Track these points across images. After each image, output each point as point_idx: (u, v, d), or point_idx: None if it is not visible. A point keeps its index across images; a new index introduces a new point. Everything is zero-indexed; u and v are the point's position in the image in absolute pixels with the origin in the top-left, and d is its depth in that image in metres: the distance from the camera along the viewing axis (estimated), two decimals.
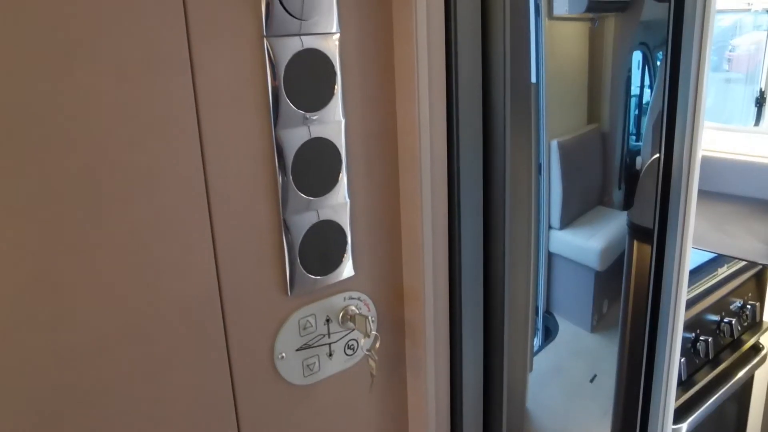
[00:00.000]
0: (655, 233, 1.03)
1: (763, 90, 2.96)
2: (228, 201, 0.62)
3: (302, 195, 0.67)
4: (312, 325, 0.72)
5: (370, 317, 0.74)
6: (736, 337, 1.69)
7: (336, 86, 0.66)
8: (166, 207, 0.58)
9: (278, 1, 0.60)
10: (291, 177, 0.65)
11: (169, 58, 0.55)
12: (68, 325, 0.55)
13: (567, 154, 0.85)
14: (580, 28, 0.84)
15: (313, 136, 0.66)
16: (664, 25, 0.94)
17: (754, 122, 3.01)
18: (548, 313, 0.90)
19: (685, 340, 1.52)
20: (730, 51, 3.17)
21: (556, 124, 0.83)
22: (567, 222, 0.88)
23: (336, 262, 0.72)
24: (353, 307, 0.74)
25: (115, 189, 0.55)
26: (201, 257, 0.61)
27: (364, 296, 0.76)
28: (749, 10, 2.77)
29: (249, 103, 0.61)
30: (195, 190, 0.59)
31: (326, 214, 0.69)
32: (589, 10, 0.83)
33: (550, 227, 0.86)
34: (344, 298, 0.74)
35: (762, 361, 1.77)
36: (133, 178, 0.55)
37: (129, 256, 0.57)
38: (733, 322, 1.66)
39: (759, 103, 2.97)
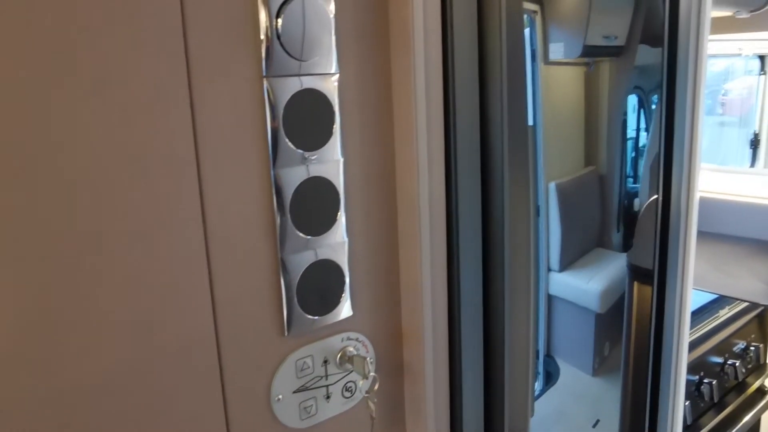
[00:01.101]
0: (655, 274, 1.03)
1: (757, 132, 2.99)
2: (226, 241, 0.62)
3: (300, 234, 0.67)
4: (309, 367, 0.71)
5: (368, 358, 0.73)
6: (740, 380, 1.67)
7: (335, 126, 0.67)
8: (165, 247, 0.58)
9: (278, 42, 0.61)
10: (289, 216, 0.65)
11: (170, 98, 0.56)
12: (64, 367, 0.54)
13: (565, 196, 0.85)
14: (576, 73, 0.85)
15: (311, 175, 0.66)
16: (658, 69, 0.96)
17: (749, 164, 3.04)
18: (549, 356, 0.89)
19: (689, 383, 1.50)
20: (723, 95, 3.22)
21: (554, 167, 0.83)
22: (566, 264, 0.88)
23: (334, 302, 0.71)
24: (351, 348, 0.74)
25: (115, 230, 0.55)
26: (198, 298, 0.61)
27: (362, 337, 0.75)
28: (740, 55, 2.82)
29: (248, 143, 0.62)
30: (193, 231, 0.59)
31: (324, 254, 0.69)
32: (584, 55, 0.85)
33: (549, 269, 0.86)
34: (342, 339, 0.73)
35: None
36: (133, 219, 0.55)
37: (126, 297, 0.56)
38: (737, 364, 1.64)
39: (754, 145, 3.01)
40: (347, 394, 0.75)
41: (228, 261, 0.62)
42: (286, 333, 0.68)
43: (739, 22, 2.03)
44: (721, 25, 2.07)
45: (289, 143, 0.64)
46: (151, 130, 0.55)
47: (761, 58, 2.89)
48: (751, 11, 1.94)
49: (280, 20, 0.60)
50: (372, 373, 0.73)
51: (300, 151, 0.65)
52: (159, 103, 0.55)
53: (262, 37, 0.60)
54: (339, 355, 0.73)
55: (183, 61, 0.56)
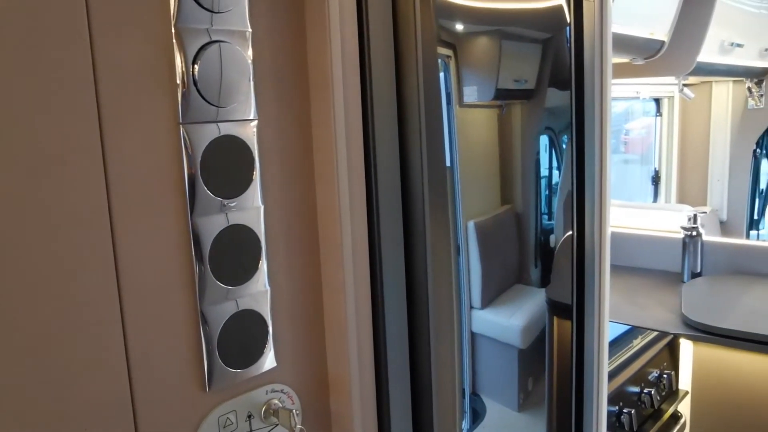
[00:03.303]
0: (573, 308, 1.05)
1: (657, 169, 3.19)
2: (141, 294, 0.59)
3: (220, 284, 0.64)
4: (233, 423, 0.68)
5: (294, 410, 0.70)
6: (656, 407, 1.73)
7: (254, 172, 0.66)
8: (73, 302, 0.54)
9: (195, 88, 0.59)
10: (209, 266, 0.63)
11: (79, 148, 0.53)
12: None
13: (484, 234, 0.87)
14: (490, 115, 0.88)
15: (231, 223, 0.64)
16: (567, 111, 1.01)
17: (652, 199, 3.22)
18: (475, 394, 0.89)
19: (609, 413, 1.54)
20: (625, 134, 3.43)
21: (472, 206, 0.85)
22: (488, 301, 0.89)
23: (257, 354, 0.69)
24: (276, 401, 0.71)
25: (21, 284, 0.51)
26: (111, 355, 0.57)
27: (287, 388, 0.72)
28: (638, 97, 3.01)
29: (164, 192, 0.59)
30: (105, 284, 0.56)
31: (246, 304, 0.67)
32: (496, 98, 0.88)
33: (471, 307, 0.86)
34: (266, 392, 0.70)
35: (682, 430, 1.81)
36: (40, 273, 0.52)
37: (33, 357, 0.52)
38: (653, 392, 1.70)
39: (655, 181, 3.20)
40: None
41: (143, 315, 0.59)
42: (207, 388, 0.65)
43: (636, 68, 2.17)
44: (620, 71, 2.21)
45: (208, 191, 0.62)
46: (60, 181, 0.52)
47: (656, 100, 3.10)
48: (646, 59, 2.08)
49: (196, 66, 0.59)
50: (299, 426, 0.71)
51: (219, 198, 0.63)
52: (68, 153, 0.53)
53: (179, 83, 0.59)
54: (264, 409, 0.70)
55: (94, 109, 0.54)
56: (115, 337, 0.57)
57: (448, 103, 0.79)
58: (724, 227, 3.07)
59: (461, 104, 0.81)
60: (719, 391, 1.85)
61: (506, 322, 0.93)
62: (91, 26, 0.54)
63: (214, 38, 0.61)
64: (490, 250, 0.88)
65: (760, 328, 1.79)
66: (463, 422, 0.88)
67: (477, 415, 0.90)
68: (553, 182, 1.01)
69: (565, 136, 1.01)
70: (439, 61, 0.77)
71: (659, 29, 2.00)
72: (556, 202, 1.02)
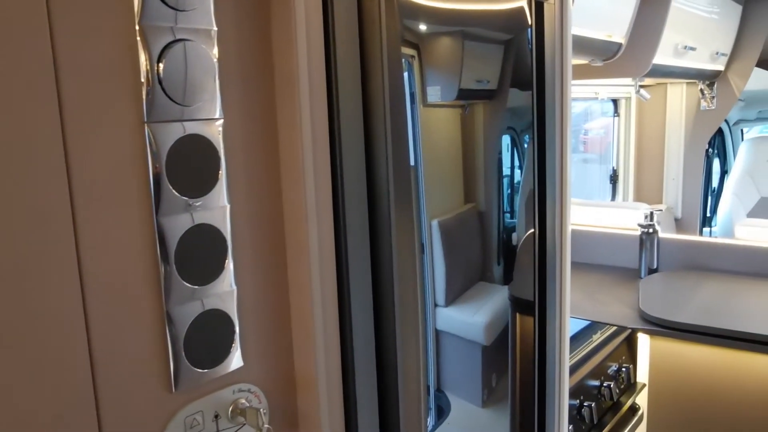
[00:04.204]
0: (535, 305, 1.07)
1: (615, 168, 3.26)
2: (104, 294, 0.58)
3: (186, 284, 0.64)
4: (199, 423, 0.67)
5: (261, 409, 0.70)
6: (615, 400, 1.77)
7: (220, 171, 0.65)
8: (35, 302, 0.53)
9: (159, 87, 0.59)
10: (174, 265, 0.62)
11: (41, 146, 0.52)
12: None
13: (447, 233, 0.88)
14: (453, 115, 0.89)
15: (196, 222, 0.64)
16: (528, 111, 1.02)
17: (610, 197, 3.28)
18: (440, 391, 0.90)
19: (571, 407, 1.57)
20: (584, 134, 3.49)
21: (436, 205, 0.86)
22: (452, 299, 0.90)
23: (224, 354, 0.68)
24: (243, 400, 0.71)
25: None
26: (73, 355, 0.56)
27: (254, 388, 0.72)
28: (597, 98, 3.07)
29: (128, 191, 0.59)
30: (68, 284, 0.55)
31: (212, 303, 0.66)
32: (459, 98, 0.89)
33: (436, 305, 0.87)
34: (233, 391, 0.70)
35: (640, 421, 1.86)
36: (1, 272, 0.51)
37: None
38: (612, 385, 1.74)
39: (613, 180, 3.26)
40: None
41: (107, 316, 0.58)
42: (173, 389, 0.64)
43: (595, 70, 2.22)
44: (579, 72, 2.25)
45: (173, 190, 0.61)
46: (20, 181, 0.51)
47: (614, 101, 3.17)
48: (604, 60, 2.13)
49: (161, 65, 0.58)
50: (266, 425, 0.71)
51: (184, 198, 0.62)
52: (28, 152, 0.52)
53: (143, 81, 0.58)
54: (230, 409, 0.70)
55: (55, 108, 0.53)
56: (77, 337, 0.56)
57: (412, 102, 0.80)
58: (679, 224, 3.16)
59: (425, 104, 0.82)
60: (675, 383, 1.90)
61: (470, 319, 0.94)
62: (52, 24, 0.53)
63: (178, 37, 0.60)
64: (453, 248, 0.89)
65: (713, 321, 1.84)
66: (429, 419, 0.89)
67: (442, 412, 0.91)
68: (515, 181, 1.02)
69: (527, 136, 1.03)
70: (404, 60, 0.77)
71: (617, 32, 2.05)
72: (518, 201, 1.03)
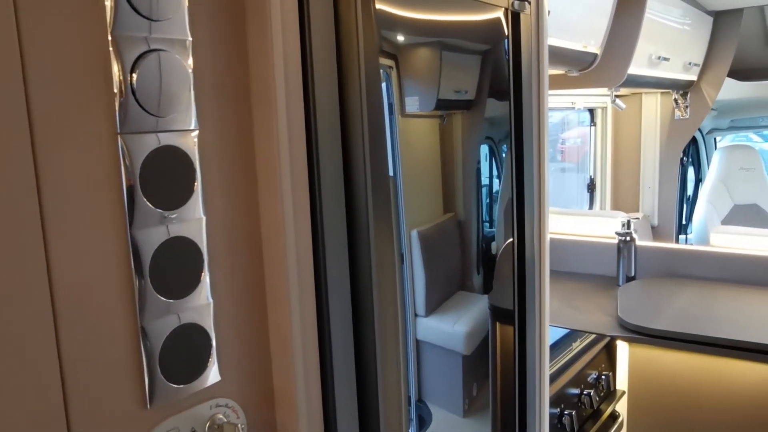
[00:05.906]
0: (515, 314, 1.08)
1: (592, 177, 3.29)
2: (76, 308, 0.57)
3: (161, 298, 0.63)
4: None
5: (239, 425, 0.69)
6: (595, 408, 1.78)
7: (196, 183, 0.65)
8: (3, 318, 0.52)
9: (133, 97, 0.58)
10: (149, 279, 0.61)
11: (8, 158, 0.51)
12: None
13: (427, 242, 0.88)
14: (431, 125, 0.89)
15: (172, 235, 0.63)
16: (506, 121, 1.03)
17: (588, 206, 3.32)
18: (420, 401, 0.89)
19: (551, 415, 1.57)
20: (562, 143, 3.53)
21: (415, 215, 0.85)
22: (432, 309, 0.90)
23: (201, 368, 0.67)
24: (221, 416, 0.70)
25: None
26: (43, 371, 0.55)
27: (232, 402, 0.71)
28: (573, 108, 3.11)
29: (101, 203, 0.58)
30: (38, 299, 0.54)
31: (188, 317, 0.65)
32: (437, 108, 0.89)
33: (416, 315, 0.87)
34: (211, 407, 0.69)
35: (620, 429, 1.87)
36: None
37: None
38: (592, 393, 1.75)
39: (590, 189, 3.30)
40: None
41: (79, 330, 0.57)
42: (148, 405, 0.63)
43: (571, 80, 2.25)
44: (556, 82, 2.28)
45: (147, 203, 0.60)
46: None
47: (591, 111, 3.21)
48: (580, 71, 2.16)
49: (135, 75, 0.58)
50: None
51: (159, 210, 0.61)
52: None
53: (116, 92, 0.57)
54: (208, 425, 0.69)
55: (24, 118, 0.52)
56: (48, 352, 0.55)
57: (391, 113, 0.80)
58: (656, 232, 3.20)
59: (403, 114, 0.82)
60: (654, 390, 1.92)
61: (450, 328, 0.94)
62: (21, 33, 0.52)
63: (153, 47, 0.60)
64: (433, 258, 0.89)
65: (689, 328, 1.86)
66: (410, 430, 0.88)
67: (423, 422, 0.91)
68: (494, 190, 1.03)
69: (505, 146, 1.04)
70: (381, 71, 0.77)
71: (592, 43, 2.07)
72: (497, 210, 1.04)
